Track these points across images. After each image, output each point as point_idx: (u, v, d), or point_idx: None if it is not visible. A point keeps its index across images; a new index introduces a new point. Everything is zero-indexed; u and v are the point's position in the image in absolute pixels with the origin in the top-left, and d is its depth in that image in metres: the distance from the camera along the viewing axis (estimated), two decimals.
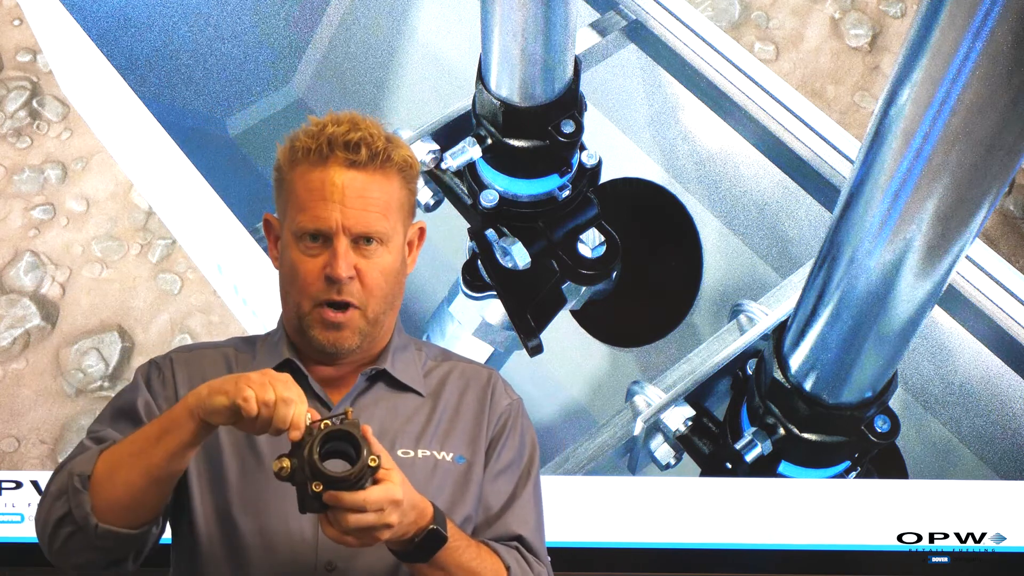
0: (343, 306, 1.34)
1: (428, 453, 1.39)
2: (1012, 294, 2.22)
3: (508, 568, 1.36)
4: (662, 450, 2.13)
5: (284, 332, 1.43)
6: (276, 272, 1.41)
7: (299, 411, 1.20)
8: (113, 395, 1.44)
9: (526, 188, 2.23)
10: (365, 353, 1.41)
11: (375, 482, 1.20)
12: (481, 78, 2.13)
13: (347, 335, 1.35)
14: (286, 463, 1.19)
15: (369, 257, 1.34)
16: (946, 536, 2.04)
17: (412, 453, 1.39)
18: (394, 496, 1.20)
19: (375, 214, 1.34)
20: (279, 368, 1.40)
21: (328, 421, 1.20)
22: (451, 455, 1.40)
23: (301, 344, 1.40)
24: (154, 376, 1.41)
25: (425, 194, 2.40)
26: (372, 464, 1.19)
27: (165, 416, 1.26)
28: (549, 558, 1.45)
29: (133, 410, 1.38)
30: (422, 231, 1.44)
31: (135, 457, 1.26)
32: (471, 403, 1.44)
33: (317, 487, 1.18)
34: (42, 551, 1.32)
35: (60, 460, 1.39)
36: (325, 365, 1.41)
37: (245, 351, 1.44)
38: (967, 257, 2.23)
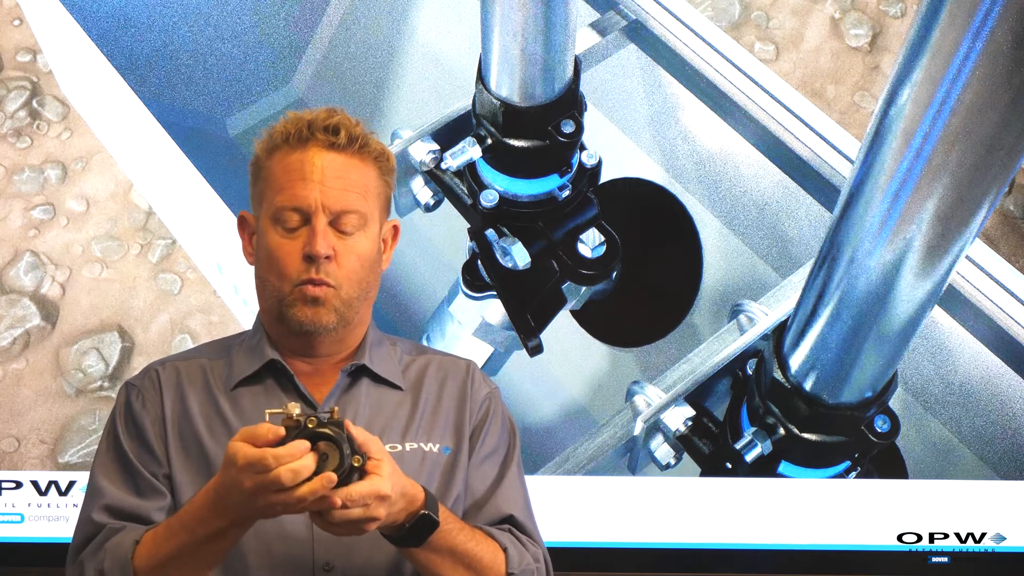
0: (320, 284, 1.34)
1: (415, 446, 1.40)
2: (1012, 294, 2.22)
3: (505, 549, 1.36)
4: (662, 450, 2.13)
5: (264, 331, 1.43)
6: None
7: (303, 464, 1.19)
8: (114, 396, 1.44)
9: (526, 188, 2.23)
10: (342, 346, 1.41)
11: (362, 476, 1.20)
12: (481, 78, 2.13)
13: (323, 312, 1.35)
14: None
15: (346, 240, 1.35)
16: (946, 536, 2.04)
17: (400, 447, 1.40)
18: (379, 490, 1.20)
19: (353, 194, 1.35)
20: (263, 369, 1.40)
21: (314, 418, 1.20)
22: (437, 446, 1.41)
23: (280, 338, 1.40)
24: (135, 401, 1.40)
25: (425, 194, 2.40)
26: (356, 464, 1.19)
27: (206, 523, 1.24)
28: (538, 526, 1.46)
29: (124, 456, 1.38)
30: (396, 229, 1.44)
31: (187, 567, 1.27)
32: (452, 394, 1.45)
33: None
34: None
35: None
36: (305, 359, 1.41)
37: (218, 357, 1.44)
38: (967, 257, 2.23)
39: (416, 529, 1.27)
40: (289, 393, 1.40)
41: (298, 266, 1.34)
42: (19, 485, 2.03)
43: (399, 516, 1.25)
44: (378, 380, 1.43)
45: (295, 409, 1.20)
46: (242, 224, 1.42)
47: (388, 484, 1.21)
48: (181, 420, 1.39)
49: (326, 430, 1.19)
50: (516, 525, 1.42)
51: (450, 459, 1.41)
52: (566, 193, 2.24)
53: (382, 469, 1.21)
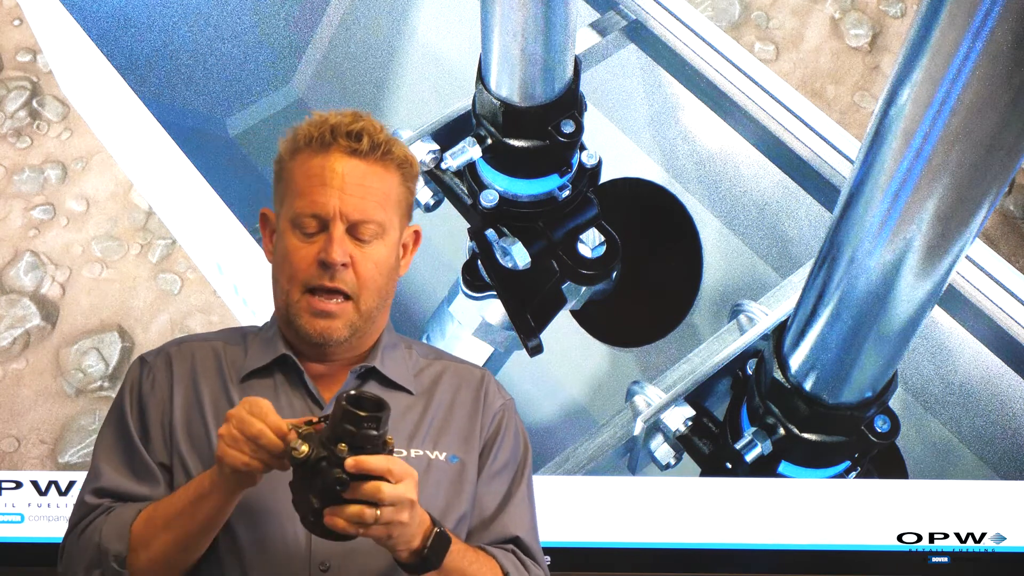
0: (334, 293, 1.33)
1: (421, 453, 1.39)
2: (1012, 294, 2.22)
3: (507, 573, 1.35)
4: (662, 450, 2.13)
5: (279, 326, 1.42)
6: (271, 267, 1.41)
7: (268, 417, 1.21)
8: (113, 396, 1.44)
9: (526, 188, 2.23)
10: (355, 350, 1.40)
11: None
12: (481, 78, 2.13)
13: (337, 325, 1.34)
14: (304, 447, 1.17)
15: (364, 248, 1.34)
16: (946, 536, 2.04)
17: (404, 452, 1.38)
18: (413, 472, 1.20)
19: (373, 203, 1.34)
20: (274, 363, 1.40)
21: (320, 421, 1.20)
22: (444, 454, 1.39)
23: (292, 338, 1.40)
24: (145, 380, 1.40)
25: (425, 194, 2.40)
26: (390, 441, 1.18)
27: (193, 489, 1.27)
28: (548, 559, 1.45)
29: (127, 434, 1.38)
30: (417, 235, 1.43)
31: (170, 532, 1.27)
32: (464, 403, 1.43)
33: (342, 448, 1.15)
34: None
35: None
36: (316, 361, 1.40)
37: (235, 344, 1.43)
38: (967, 257, 2.23)
39: (435, 548, 1.24)
40: (298, 389, 1.39)
41: (311, 271, 1.33)
42: (19, 485, 2.03)
43: (416, 537, 1.23)
44: (388, 383, 1.41)
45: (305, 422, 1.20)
46: (263, 221, 1.42)
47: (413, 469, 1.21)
48: (192, 408, 1.38)
49: (373, 396, 1.17)
50: (521, 547, 1.40)
51: (458, 470, 1.39)
52: (566, 193, 2.24)
53: None
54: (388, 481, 1.17)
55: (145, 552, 1.28)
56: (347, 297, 1.34)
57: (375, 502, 1.17)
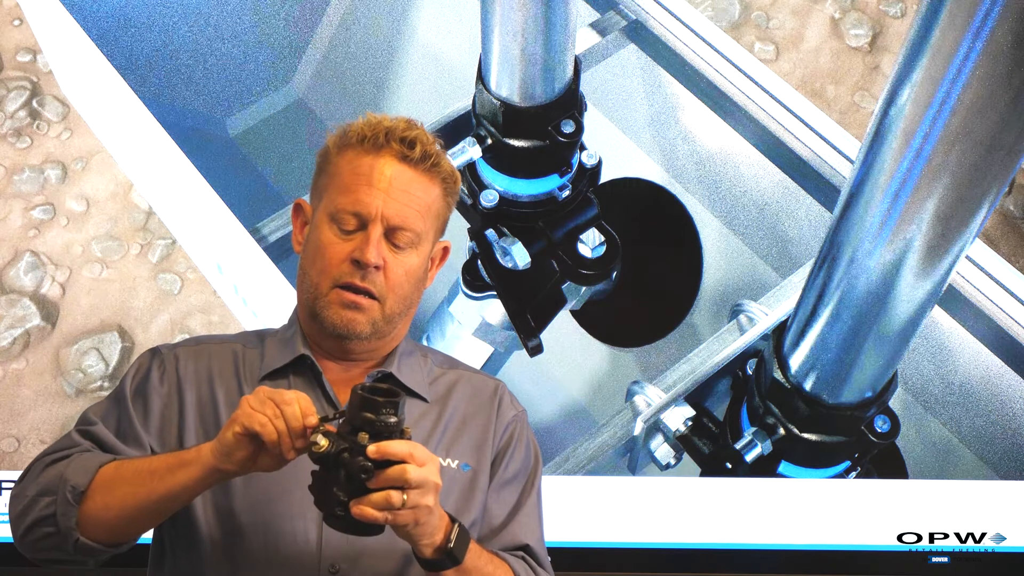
0: (363, 292, 1.34)
1: None
2: (1012, 294, 2.22)
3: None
4: (662, 450, 2.13)
5: (299, 326, 1.42)
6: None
7: (301, 398, 1.20)
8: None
9: (526, 188, 2.23)
10: (374, 353, 1.41)
11: None
12: (481, 78, 2.13)
13: (361, 320, 1.35)
14: (323, 441, 1.17)
15: (398, 254, 1.35)
16: (946, 536, 2.04)
17: None
18: (435, 456, 1.20)
19: (414, 211, 1.35)
20: (292, 364, 1.40)
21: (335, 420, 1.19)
22: (456, 462, 1.40)
23: (313, 336, 1.40)
24: (155, 369, 1.40)
25: None
26: (407, 431, 1.19)
27: (176, 456, 1.26)
28: (548, 559, 1.46)
29: (124, 406, 1.38)
30: (446, 250, 1.44)
31: (135, 486, 1.26)
32: (478, 412, 1.44)
33: (363, 437, 1.16)
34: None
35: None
36: (334, 360, 1.40)
37: (253, 346, 1.44)
38: (967, 257, 2.23)
39: (460, 541, 1.25)
40: (314, 390, 1.39)
41: (343, 267, 1.34)
42: None
43: (438, 530, 1.24)
44: (403, 389, 1.41)
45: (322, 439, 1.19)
46: (296, 211, 1.42)
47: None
48: (206, 407, 1.38)
49: (390, 385, 1.19)
50: (531, 555, 1.41)
51: (469, 478, 1.40)
52: (566, 193, 2.24)
53: None
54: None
55: (103, 497, 1.27)
56: (374, 298, 1.35)
57: (401, 486, 1.17)
